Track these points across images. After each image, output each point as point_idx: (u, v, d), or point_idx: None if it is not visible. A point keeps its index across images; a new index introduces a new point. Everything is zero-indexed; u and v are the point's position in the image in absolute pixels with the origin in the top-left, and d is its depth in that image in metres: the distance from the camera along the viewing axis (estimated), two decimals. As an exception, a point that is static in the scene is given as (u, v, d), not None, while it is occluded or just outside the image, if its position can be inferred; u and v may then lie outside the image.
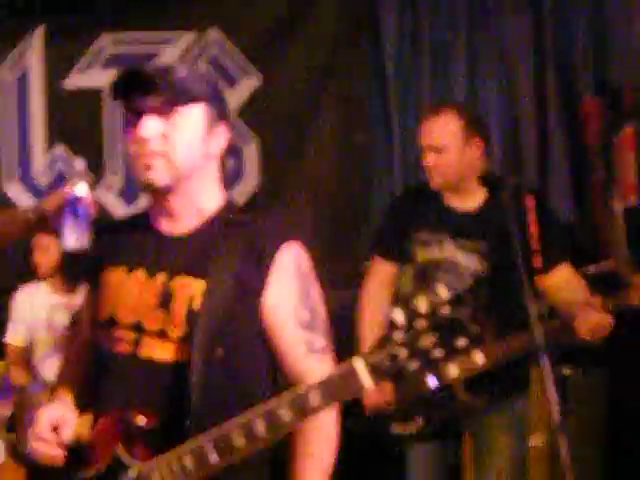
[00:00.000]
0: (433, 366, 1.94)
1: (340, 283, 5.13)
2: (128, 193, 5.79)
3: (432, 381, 1.96)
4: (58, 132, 5.81)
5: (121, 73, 2.31)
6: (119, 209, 5.83)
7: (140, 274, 2.35)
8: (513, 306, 3.52)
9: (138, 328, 2.32)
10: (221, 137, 2.35)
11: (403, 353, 1.93)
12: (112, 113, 5.74)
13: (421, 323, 1.91)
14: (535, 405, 4.18)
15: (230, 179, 5.57)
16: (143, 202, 5.63)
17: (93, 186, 2.96)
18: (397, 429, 3.86)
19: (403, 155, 5.71)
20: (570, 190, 5.76)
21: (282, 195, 5.61)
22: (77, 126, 5.80)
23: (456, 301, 1.91)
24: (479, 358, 1.93)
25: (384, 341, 1.95)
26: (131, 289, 2.35)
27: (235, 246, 2.28)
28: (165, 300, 2.30)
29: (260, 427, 2.05)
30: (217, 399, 2.23)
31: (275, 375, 2.36)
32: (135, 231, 2.44)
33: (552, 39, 5.72)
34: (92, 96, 5.76)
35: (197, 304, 2.27)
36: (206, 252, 2.30)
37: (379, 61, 5.78)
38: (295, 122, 5.61)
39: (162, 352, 2.29)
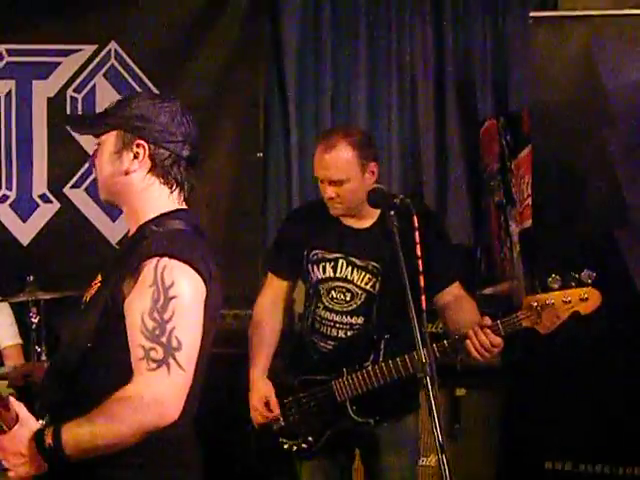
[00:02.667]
0: None
1: (236, 302, 5.12)
2: (23, 209, 5.69)
3: None
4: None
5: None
6: (15, 224, 5.72)
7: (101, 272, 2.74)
8: (406, 323, 3.53)
9: None
10: (138, 154, 2.61)
11: None
12: (9, 126, 5.65)
13: None
14: (426, 425, 4.20)
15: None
16: (38, 219, 5.64)
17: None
18: (287, 445, 3.83)
19: (300, 171, 5.73)
20: (468, 212, 5.82)
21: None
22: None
23: None
24: None
25: None
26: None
27: (132, 255, 2.51)
28: (89, 291, 2.71)
29: None
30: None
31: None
32: None
33: (453, 61, 5.79)
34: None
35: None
36: (119, 255, 2.66)
37: (279, 77, 5.80)
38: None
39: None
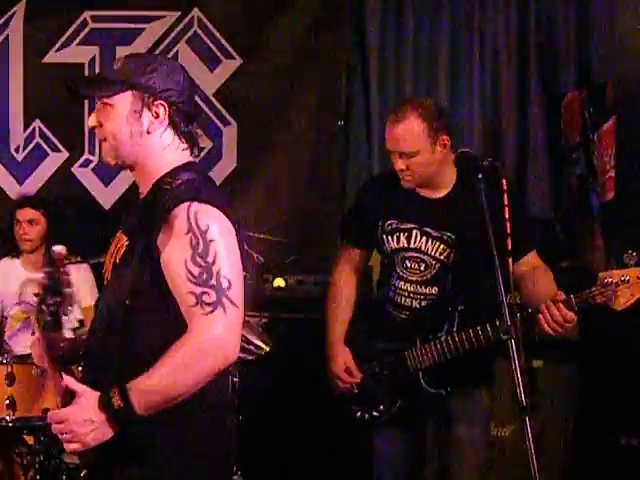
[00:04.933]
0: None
1: (316, 268, 5.17)
2: (105, 173, 5.78)
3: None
4: (36, 108, 5.79)
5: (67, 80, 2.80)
6: (98, 188, 5.83)
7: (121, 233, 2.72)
8: (481, 294, 3.52)
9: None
10: (158, 114, 2.63)
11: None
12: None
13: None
14: (501, 396, 4.19)
15: (209, 160, 5.59)
16: (119, 184, 5.73)
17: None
18: (359, 413, 3.86)
19: (380, 140, 5.70)
20: (549, 184, 5.77)
21: (258, 177, 5.61)
22: (56, 102, 5.70)
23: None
24: None
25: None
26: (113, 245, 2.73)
27: (155, 208, 2.54)
28: (113, 254, 2.70)
29: None
30: (113, 342, 2.57)
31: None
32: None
33: (535, 34, 5.74)
34: (73, 72, 5.70)
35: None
36: (140, 213, 2.64)
37: (361, 46, 5.80)
38: (273, 105, 5.59)
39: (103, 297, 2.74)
